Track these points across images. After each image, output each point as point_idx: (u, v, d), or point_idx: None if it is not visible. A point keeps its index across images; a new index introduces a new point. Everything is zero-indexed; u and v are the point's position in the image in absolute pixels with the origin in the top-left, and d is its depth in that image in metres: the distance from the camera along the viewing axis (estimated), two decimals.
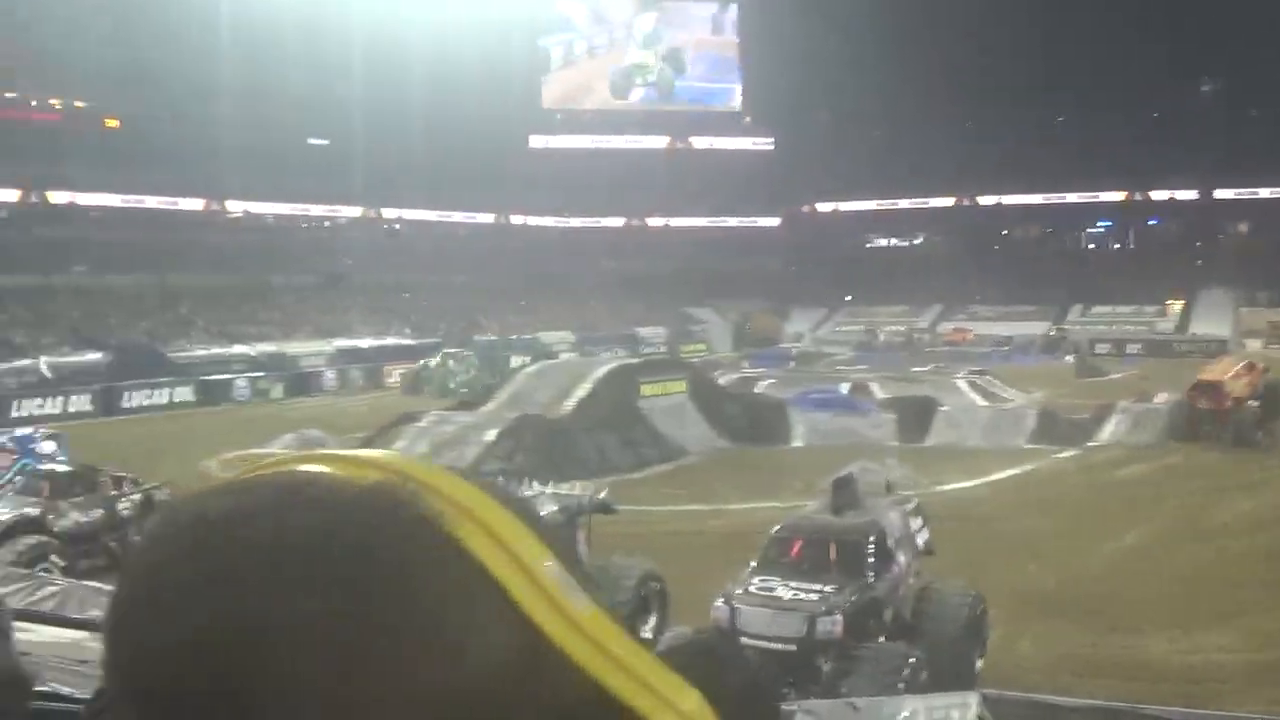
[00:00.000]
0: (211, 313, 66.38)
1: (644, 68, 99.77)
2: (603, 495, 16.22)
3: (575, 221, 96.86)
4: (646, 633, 14.55)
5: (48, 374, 50.32)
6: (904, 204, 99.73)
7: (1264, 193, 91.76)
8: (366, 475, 0.71)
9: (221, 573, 0.67)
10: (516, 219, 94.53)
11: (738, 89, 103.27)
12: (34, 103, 73.63)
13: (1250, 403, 33.71)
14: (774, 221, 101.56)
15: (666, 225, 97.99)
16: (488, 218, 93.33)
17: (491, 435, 28.93)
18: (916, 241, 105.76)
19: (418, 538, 0.68)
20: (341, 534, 0.66)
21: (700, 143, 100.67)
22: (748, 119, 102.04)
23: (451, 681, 0.66)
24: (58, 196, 70.54)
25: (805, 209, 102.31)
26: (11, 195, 69.00)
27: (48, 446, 25.88)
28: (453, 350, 56.85)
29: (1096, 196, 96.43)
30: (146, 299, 66.73)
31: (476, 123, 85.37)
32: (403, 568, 0.66)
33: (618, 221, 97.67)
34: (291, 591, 0.63)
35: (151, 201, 74.46)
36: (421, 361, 56.05)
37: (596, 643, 0.71)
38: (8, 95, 71.66)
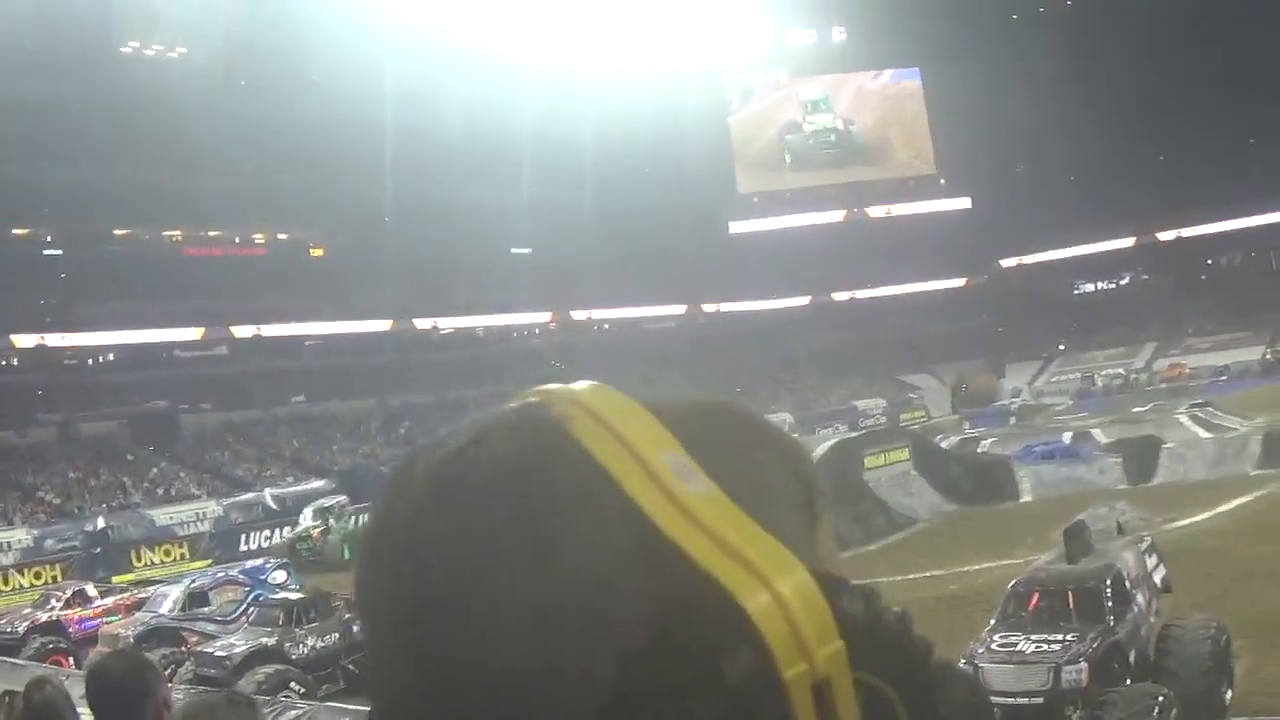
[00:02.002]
0: (433, 430, 67.58)
1: (824, 131, 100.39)
2: None
3: (781, 302, 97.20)
4: None
5: (273, 505, 51.81)
6: (1106, 246, 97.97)
7: None
8: (528, 401, 0.84)
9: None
10: (728, 306, 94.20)
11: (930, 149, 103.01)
12: (237, 239, 76.82)
13: None
14: (979, 279, 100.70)
15: (874, 296, 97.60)
16: (701, 307, 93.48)
17: None
18: (1123, 282, 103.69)
19: (546, 448, 0.77)
20: (500, 462, 0.76)
21: (898, 209, 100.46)
22: (943, 181, 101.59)
23: (571, 579, 0.72)
24: (274, 329, 71.19)
25: (1008, 263, 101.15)
26: (223, 332, 69.89)
27: (279, 576, 27.21)
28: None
29: None
30: (368, 422, 68.90)
31: (674, 213, 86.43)
32: (531, 481, 0.75)
33: (823, 296, 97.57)
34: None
35: (360, 326, 75.60)
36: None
37: (705, 527, 0.75)
38: (212, 234, 74.67)
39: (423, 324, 79.46)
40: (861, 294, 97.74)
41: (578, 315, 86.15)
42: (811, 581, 0.74)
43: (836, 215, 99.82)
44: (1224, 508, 28.67)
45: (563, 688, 0.71)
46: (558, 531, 0.71)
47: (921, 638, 0.85)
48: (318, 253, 78.80)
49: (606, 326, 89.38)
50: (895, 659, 0.83)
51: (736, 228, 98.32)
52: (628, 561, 0.71)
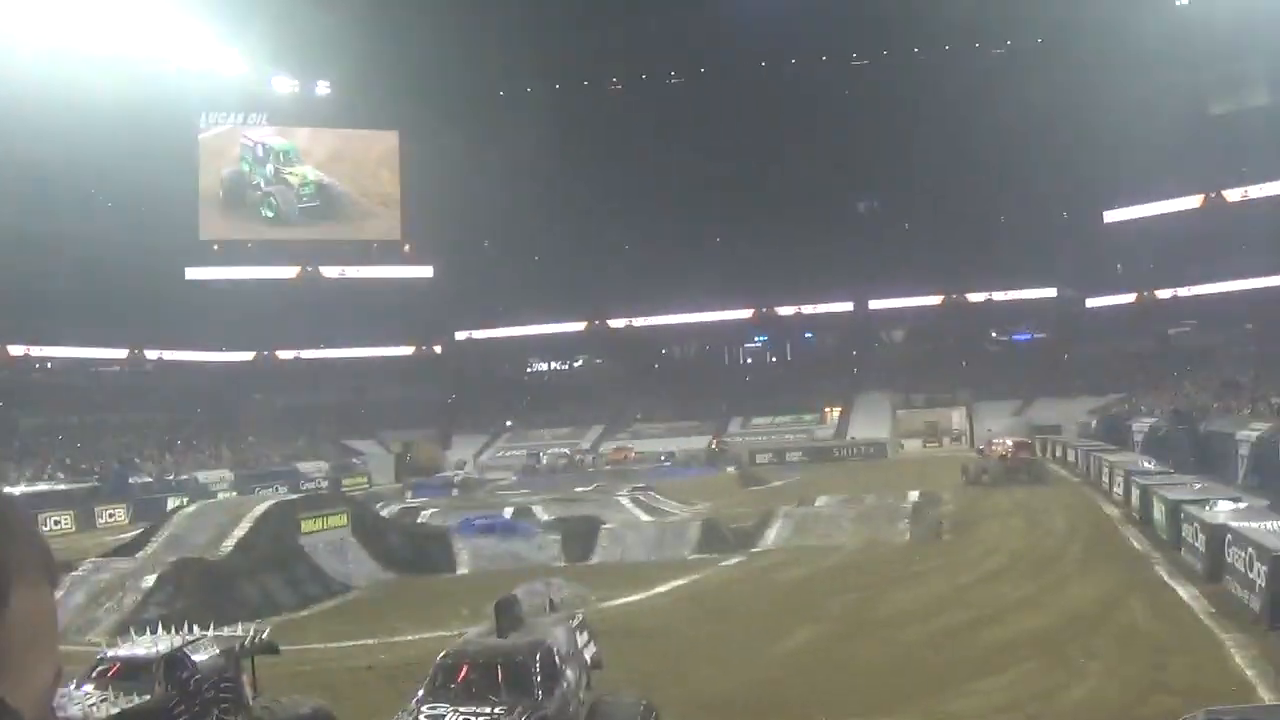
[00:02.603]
0: None
1: (293, 185, 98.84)
2: (265, 635, 15.95)
3: (233, 356, 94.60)
4: None
5: None
6: (563, 328, 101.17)
7: (915, 302, 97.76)
8: None
9: None
10: (172, 355, 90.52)
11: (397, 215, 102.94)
12: None
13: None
14: (433, 349, 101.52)
15: (324, 357, 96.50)
16: (146, 353, 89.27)
17: (150, 581, 27.89)
18: (577, 364, 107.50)
19: None
20: None
21: (356, 271, 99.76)
22: (407, 247, 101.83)
23: None
24: None
25: (464, 336, 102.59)
26: None
27: None
28: None
29: (753, 312, 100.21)
30: None
31: (129, 254, 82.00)
32: None
33: (271, 353, 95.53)
34: None
35: None
36: None
37: None
38: None
39: None
40: (310, 354, 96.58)
41: (15, 351, 79.90)
42: None
43: (292, 271, 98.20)
44: (660, 589, 29.58)
45: None
46: None
47: None
48: None
49: (50, 365, 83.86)
50: None
51: (193, 274, 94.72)
52: None
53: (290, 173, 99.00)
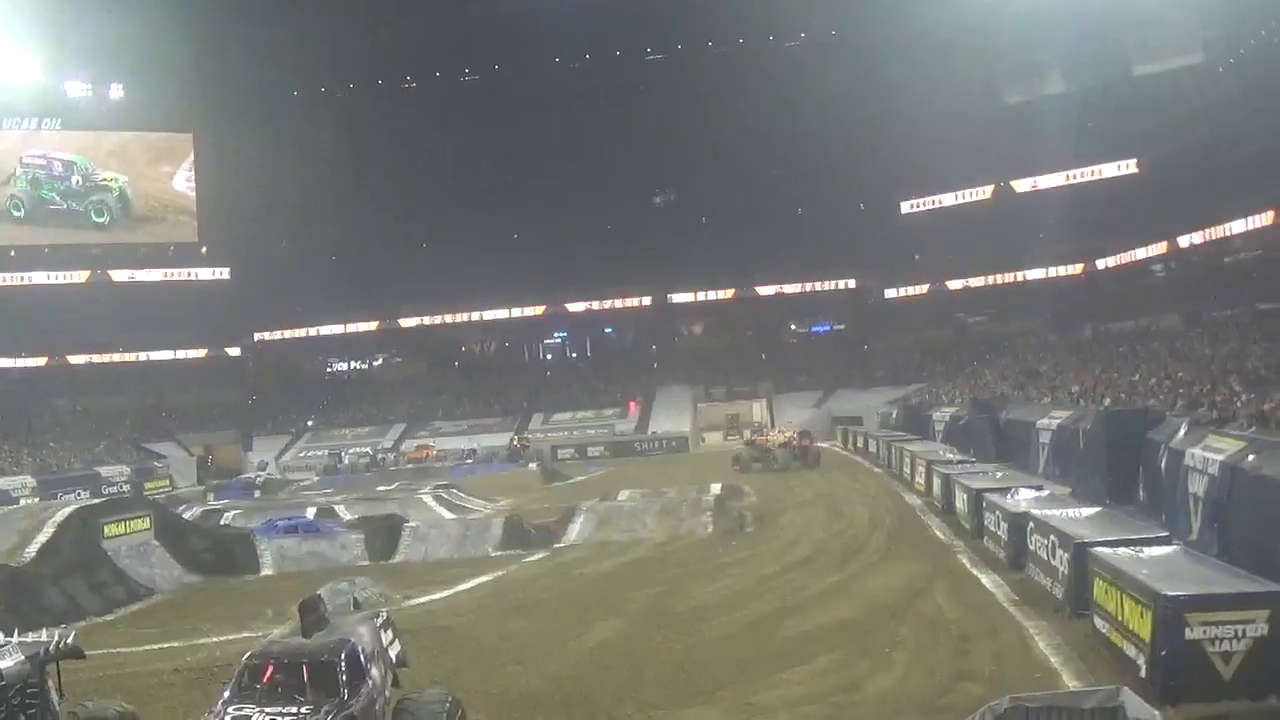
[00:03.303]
0: None
1: (79, 189, 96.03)
2: (70, 640, 15.96)
3: (27, 361, 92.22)
4: None
5: None
6: (361, 327, 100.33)
7: (713, 295, 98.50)
8: None
9: None
10: None
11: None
12: None
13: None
14: (232, 350, 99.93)
15: (120, 361, 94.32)
16: None
17: None
18: (376, 363, 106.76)
19: None
20: None
21: (148, 274, 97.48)
22: (204, 249, 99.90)
23: None
24: None
25: (262, 337, 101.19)
26: None
27: None
28: None
29: (553, 308, 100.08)
30: None
31: None
32: None
33: (63, 358, 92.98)
34: None
35: None
36: None
37: None
38: None
39: None
40: (107, 358, 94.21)
41: None
42: None
43: (80, 275, 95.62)
44: (464, 586, 29.72)
45: None
46: None
47: None
48: None
49: None
50: None
51: None
52: None
53: (104, 179, 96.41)
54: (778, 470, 55.14)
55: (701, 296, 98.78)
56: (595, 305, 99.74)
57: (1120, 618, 16.71)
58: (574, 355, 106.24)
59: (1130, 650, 16.15)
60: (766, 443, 59.67)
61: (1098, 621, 18.01)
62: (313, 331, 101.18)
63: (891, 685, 17.21)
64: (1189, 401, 35.51)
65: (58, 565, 30.63)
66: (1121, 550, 18.71)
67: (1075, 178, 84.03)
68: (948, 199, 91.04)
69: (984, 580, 24.70)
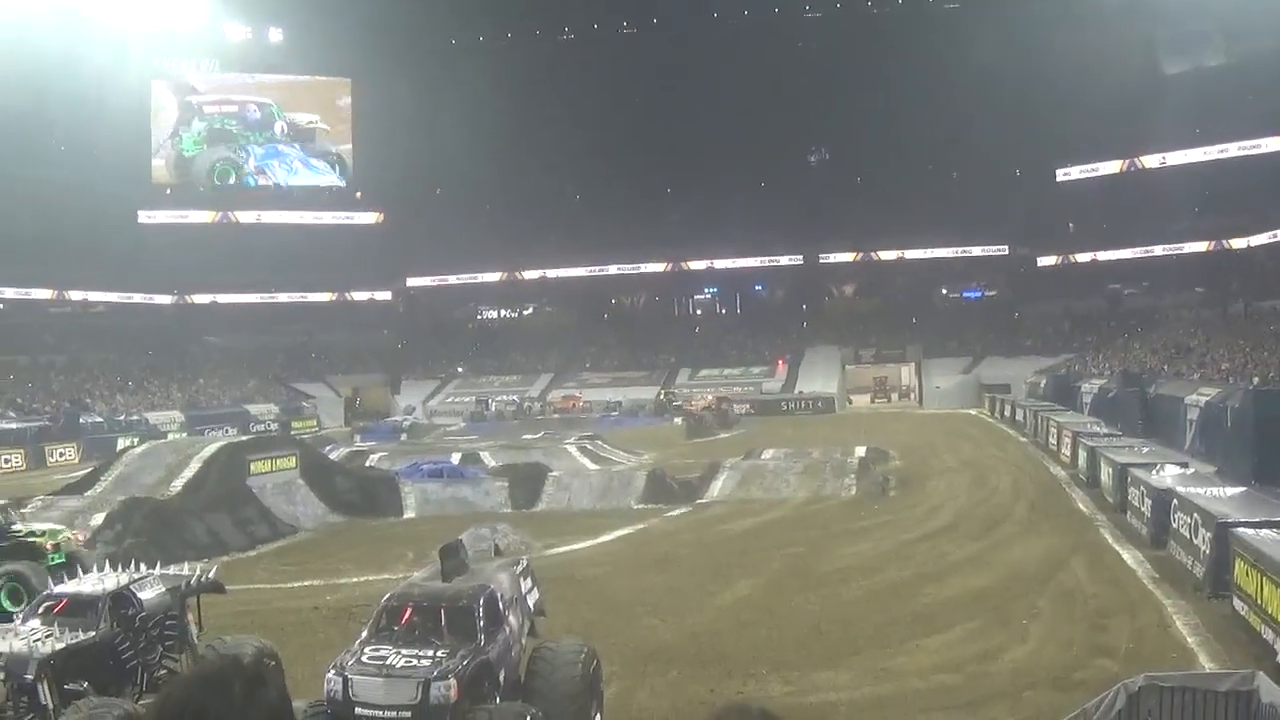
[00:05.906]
0: None
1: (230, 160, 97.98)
2: (212, 574, 15.98)
3: (181, 298, 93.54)
4: None
5: None
6: (513, 276, 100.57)
7: (866, 256, 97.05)
8: None
9: None
10: (121, 296, 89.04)
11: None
12: None
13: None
14: (386, 295, 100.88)
15: (274, 301, 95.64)
16: (99, 295, 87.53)
17: (99, 519, 27.97)
18: (527, 312, 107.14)
19: None
20: None
21: (308, 217, 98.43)
22: (359, 194, 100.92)
23: None
24: None
25: (415, 282, 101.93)
26: None
27: None
28: None
29: (704, 264, 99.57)
30: None
31: (83, 196, 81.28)
32: None
33: (218, 296, 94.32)
34: None
35: None
36: None
37: None
38: None
39: None
40: (256, 298, 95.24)
41: None
42: None
43: (245, 216, 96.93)
44: (605, 538, 29.61)
45: None
46: None
47: None
48: None
49: (1, 307, 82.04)
50: None
51: (146, 217, 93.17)
52: None
53: (310, 123, 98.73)
54: (706, 431, 62.06)
55: (853, 257, 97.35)
56: (747, 262, 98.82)
57: (1260, 601, 16.30)
58: (724, 311, 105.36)
59: (1269, 634, 15.78)
60: (693, 409, 68.19)
61: (1237, 603, 17.66)
62: (464, 278, 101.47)
63: (1026, 657, 17.00)
64: None
65: (203, 500, 31.04)
66: (1265, 532, 18.13)
67: (1233, 150, 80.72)
68: (1105, 168, 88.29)
69: (1125, 556, 24.23)
